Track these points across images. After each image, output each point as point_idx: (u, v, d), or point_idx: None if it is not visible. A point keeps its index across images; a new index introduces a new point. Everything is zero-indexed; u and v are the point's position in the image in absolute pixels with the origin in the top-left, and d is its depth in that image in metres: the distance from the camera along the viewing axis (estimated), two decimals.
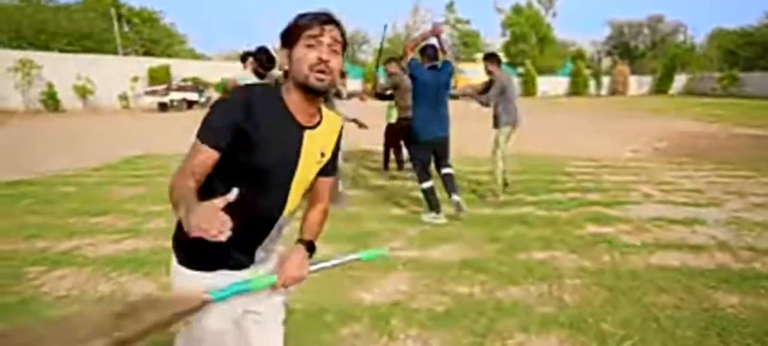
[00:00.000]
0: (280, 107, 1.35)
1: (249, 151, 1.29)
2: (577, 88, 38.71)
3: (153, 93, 24.84)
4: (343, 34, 1.35)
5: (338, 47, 1.33)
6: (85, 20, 33.03)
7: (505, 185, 5.84)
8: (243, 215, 1.25)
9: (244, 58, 5.17)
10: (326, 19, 1.32)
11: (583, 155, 8.82)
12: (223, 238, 1.01)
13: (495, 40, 50.59)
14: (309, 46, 1.29)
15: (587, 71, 40.12)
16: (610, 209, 5.18)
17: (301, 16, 1.33)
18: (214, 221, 1.02)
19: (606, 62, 49.51)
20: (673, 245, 4.06)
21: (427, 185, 4.78)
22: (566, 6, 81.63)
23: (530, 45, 45.31)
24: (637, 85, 40.34)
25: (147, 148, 10.26)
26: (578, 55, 43.24)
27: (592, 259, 3.75)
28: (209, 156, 1.27)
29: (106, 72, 25.98)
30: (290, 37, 1.33)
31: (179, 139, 11.76)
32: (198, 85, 26.55)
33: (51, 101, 23.34)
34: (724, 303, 2.99)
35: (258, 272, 1.47)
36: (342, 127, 1.56)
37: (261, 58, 4.77)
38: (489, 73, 5.61)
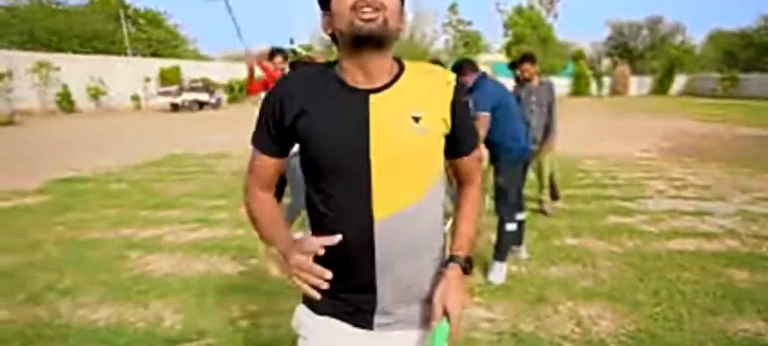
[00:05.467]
0: (330, 80, 1.10)
1: (309, 146, 1.10)
2: (579, 89, 39.28)
3: (166, 94, 25.40)
4: None
5: None
6: (95, 22, 33.54)
7: None
8: (331, 224, 1.10)
9: (272, 54, 5.11)
10: None
11: (595, 154, 9.34)
12: (322, 286, 1.00)
13: (496, 41, 51.15)
14: None
15: (589, 72, 40.71)
16: (627, 202, 5.71)
17: None
18: (308, 270, 1.02)
19: (605, 63, 50.00)
20: (688, 232, 4.59)
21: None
22: (567, 7, 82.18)
23: (531, 45, 45.81)
24: (638, 85, 40.95)
25: (179, 148, 10.77)
26: (579, 55, 43.77)
27: (619, 244, 4.28)
28: (264, 163, 1.19)
29: (117, 73, 26.56)
30: None
31: (204, 139, 12.25)
32: (208, 86, 27.12)
33: (65, 102, 23.86)
34: (736, 278, 3.52)
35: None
36: (456, 83, 1.16)
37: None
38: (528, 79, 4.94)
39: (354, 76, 1.07)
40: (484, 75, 3.70)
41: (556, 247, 4.23)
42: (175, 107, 24.91)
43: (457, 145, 1.19)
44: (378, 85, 1.07)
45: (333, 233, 1.07)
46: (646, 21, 48.07)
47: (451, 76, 1.15)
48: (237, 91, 30.18)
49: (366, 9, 0.98)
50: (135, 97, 27.38)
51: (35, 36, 29.49)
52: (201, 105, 25.76)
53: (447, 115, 1.12)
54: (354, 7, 0.98)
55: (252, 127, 1.18)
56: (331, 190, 1.09)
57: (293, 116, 1.09)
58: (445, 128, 1.13)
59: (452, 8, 51.87)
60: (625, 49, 48.83)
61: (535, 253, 4.06)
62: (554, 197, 5.55)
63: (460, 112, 1.15)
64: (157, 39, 40.11)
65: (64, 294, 3.41)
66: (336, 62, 1.13)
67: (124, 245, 4.38)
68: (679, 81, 40.30)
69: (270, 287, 3.49)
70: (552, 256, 4.00)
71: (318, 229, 1.14)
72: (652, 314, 3.03)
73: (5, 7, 31.06)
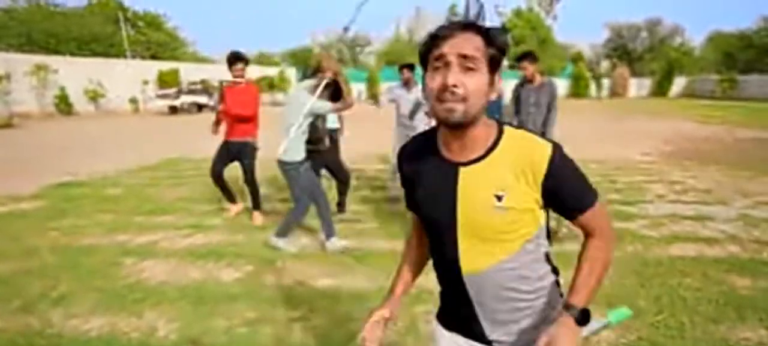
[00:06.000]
0: (432, 147, 1.23)
1: (416, 204, 1.31)
2: (578, 90, 39.32)
3: (164, 96, 25.37)
4: (486, 40, 1.08)
5: (475, 63, 1.06)
6: (94, 24, 33.50)
7: None
8: (437, 270, 1.34)
9: (232, 61, 4.97)
10: (450, 28, 1.09)
11: (594, 157, 9.30)
12: None
13: None
14: (435, 69, 1.09)
15: (588, 74, 40.74)
16: (628, 206, 5.67)
17: (434, 29, 1.13)
18: (367, 333, 1.35)
19: (604, 65, 50.09)
20: (689, 237, 4.55)
21: None
22: (566, 9, 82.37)
23: (530, 47, 45.85)
24: (637, 87, 40.99)
25: (175, 151, 10.72)
26: (578, 57, 43.82)
27: (619, 250, 4.23)
28: (413, 217, 1.43)
29: (116, 76, 26.50)
30: (424, 61, 1.14)
31: (201, 143, 12.23)
32: (207, 89, 27.07)
33: (63, 105, 23.79)
34: (738, 285, 3.48)
35: None
36: (554, 156, 1.13)
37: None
38: (530, 79, 4.82)
39: (448, 146, 1.19)
40: None
41: (555, 253, 4.16)
42: (173, 110, 24.87)
43: (565, 208, 1.20)
44: (470, 157, 1.16)
45: (441, 273, 1.33)
46: (645, 23, 48.19)
47: (547, 150, 1.13)
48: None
49: (449, 100, 1.06)
50: (133, 100, 27.32)
51: (33, 38, 29.47)
52: (200, 107, 25.73)
53: (537, 191, 1.14)
54: (438, 97, 1.07)
55: None
56: (433, 243, 1.30)
57: (409, 185, 1.32)
58: (534, 204, 1.15)
59: (452, 9, 51.97)
60: (624, 51, 48.93)
61: None
62: None
63: (556, 181, 1.14)
64: (156, 41, 40.06)
65: (57, 302, 3.36)
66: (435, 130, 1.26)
67: (119, 251, 4.33)
68: (679, 83, 40.32)
69: (267, 294, 3.45)
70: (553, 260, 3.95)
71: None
72: (653, 322, 2.98)
73: (3, 9, 31.09)
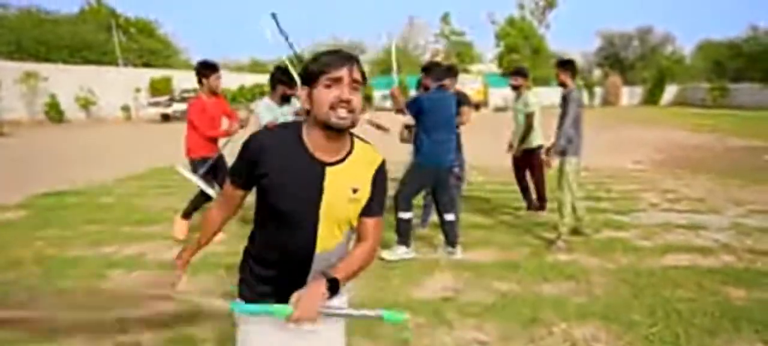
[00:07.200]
0: (297, 146, 1.41)
1: (269, 194, 1.42)
2: None
3: (156, 104, 25.22)
4: (362, 72, 1.39)
5: (359, 85, 1.37)
6: (85, 32, 33.30)
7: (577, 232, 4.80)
8: (278, 253, 1.48)
9: (206, 72, 4.70)
10: (346, 58, 1.36)
11: (590, 166, 9.25)
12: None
13: (488, 51, 51.40)
14: (327, 86, 1.33)
15: (580, 82, 40.95)
16: (621, 216, 5.65)
17: (321, 55, 1.39)
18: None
19: (597, 73, 50.32)
20: (682, 247, 4.52)
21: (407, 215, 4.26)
22: (558, 18, 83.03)
23: (523, 56, 46.07)
24: (629, 95, 41.19)
25: (165, 160, 10.59)
26: None
27: (613, 260, 4.19)
28: (234, 192, 1.53)
29: (108, 83, 26.35)
30: (311, 77, 1.37)
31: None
32: None
33: (54, 112, 23.59)
34: (733, 296, 3.44)
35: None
36: (383, 163, 1.53)
37: (283, 79, 4.41)
38: (562, 85, 4.82)
39: (318, 147, 1.41)
40: (439, 87, 4.27)
41: (548, 263, 4.14)
42: (165, 118, 24.73)
43: (367, 209, 1.50)
44: (335, 159, 1.42)
45: (273, 256, 1.50)
46: (637, 31, 48.45)
47: (380, 159, 1.53)
48: (228, 101, 30.03)
49: (344, 110, 1.33)
50: (125, 108, 27.16)
51: (23, 46, 29.20)
52: None
53: (370, 187, 1.49)
54: (332, 106, 1.33)
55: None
56: (282, 229, 1.45)
57: (262, 173, 1.42)
58: (368, 196, 1.49)
59: (445, 18, 52.17)
60: (616, 60, 49.15)
61: (527, 269, 3.97)
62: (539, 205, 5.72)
63: (376, 184, 1.50)
64: (149, 49, 39.85)
65: None
66: (301, 123, 1.47)
67: (104, 263, 4.23)
68: (670, 91, 40.59)
69: None
70: (545, 273, 3.91)
71: (257, 252, 1.55)
72: (647, 335, 2.94)
73: None
